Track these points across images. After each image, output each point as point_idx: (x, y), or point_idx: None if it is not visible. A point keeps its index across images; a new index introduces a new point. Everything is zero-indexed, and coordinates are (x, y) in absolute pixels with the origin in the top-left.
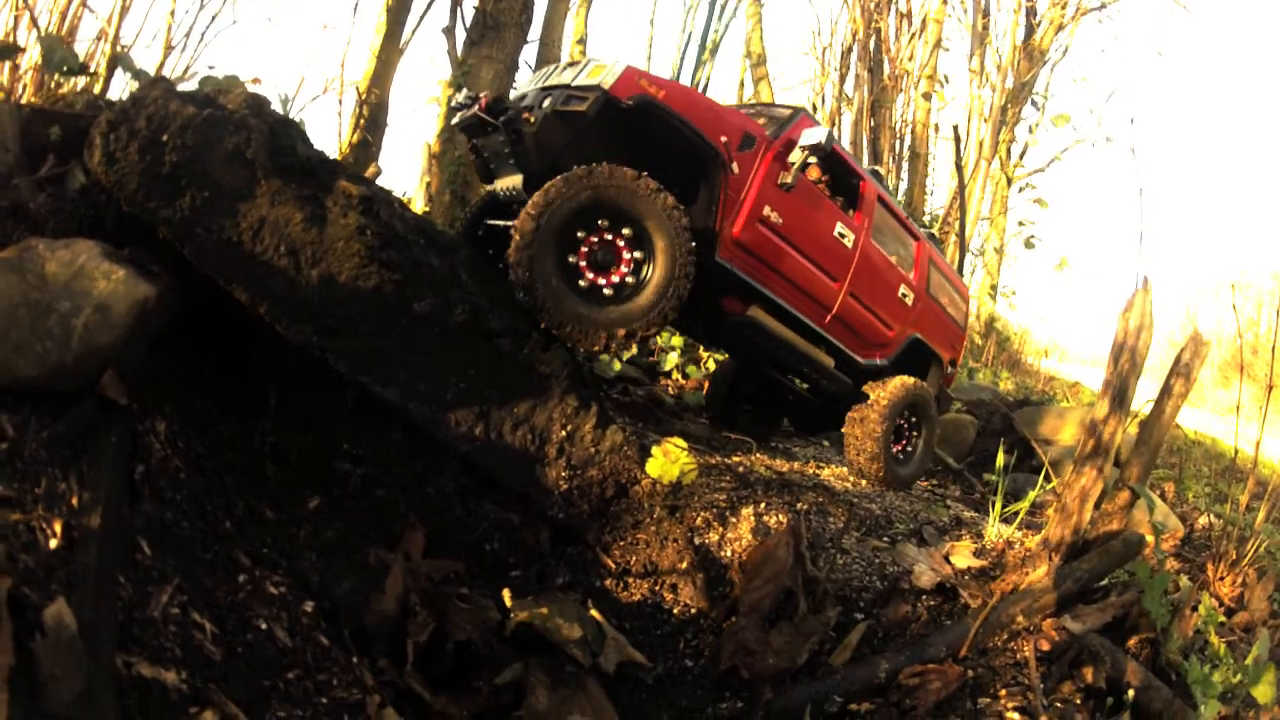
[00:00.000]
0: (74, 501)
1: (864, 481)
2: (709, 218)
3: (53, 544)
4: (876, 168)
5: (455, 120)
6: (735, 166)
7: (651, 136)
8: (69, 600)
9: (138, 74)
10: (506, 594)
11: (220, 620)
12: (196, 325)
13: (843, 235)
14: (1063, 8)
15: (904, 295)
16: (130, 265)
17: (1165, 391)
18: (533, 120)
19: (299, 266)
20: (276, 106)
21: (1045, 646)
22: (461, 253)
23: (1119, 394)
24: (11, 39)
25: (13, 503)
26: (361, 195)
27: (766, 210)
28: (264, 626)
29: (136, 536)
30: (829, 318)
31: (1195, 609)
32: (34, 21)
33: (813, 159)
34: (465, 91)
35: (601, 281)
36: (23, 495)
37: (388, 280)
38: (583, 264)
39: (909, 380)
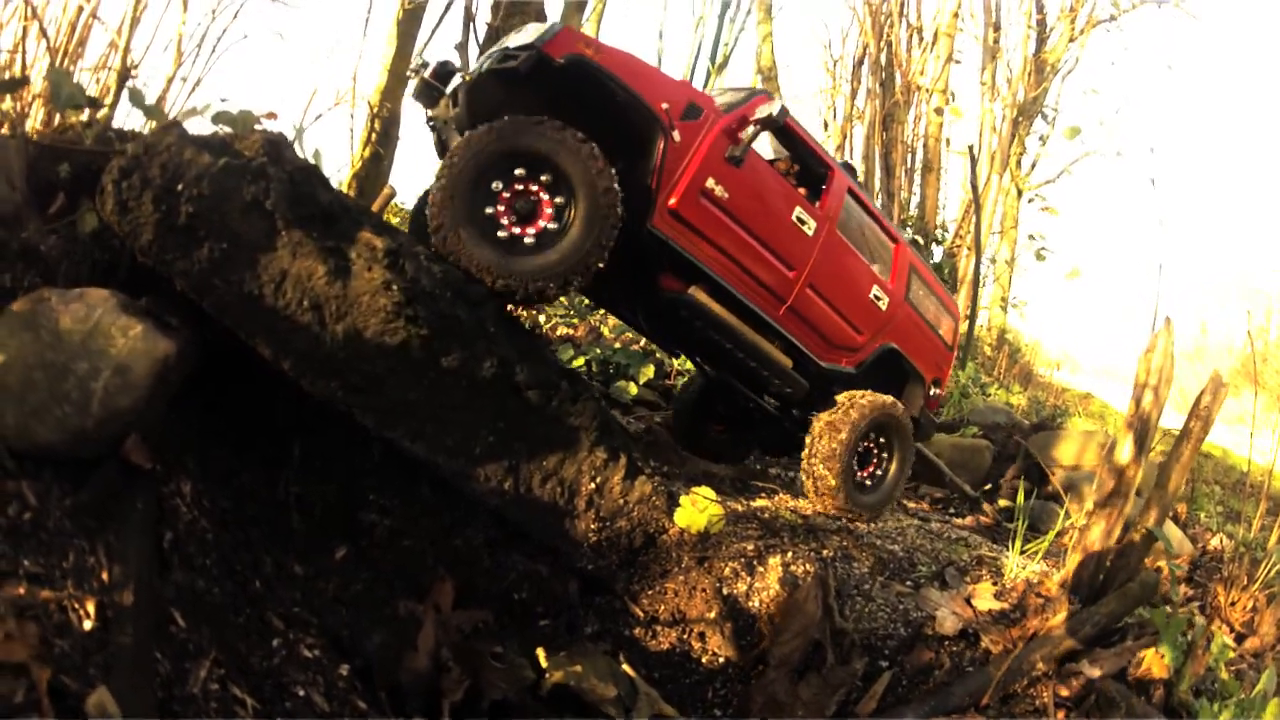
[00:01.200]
0: (104, 576)
1: (886, 521)
2: (645, 185)
3: (87, 625)
4: (850, 161)
5: (411, 92)
6: (677, 135)
7: (590, 99)
8: (108, 684)
9: (150, 110)
10: (541, 653)
11: (257, 689)
12: (215, 375)
13: (802, 221)
14: (1073, 21)
15: (877, 298)
16: (148, 319)
17: (1184, 435)
18: (468, 79)
19: (323, 321)
20: (288, 132)
21: (1064, 693)
22: (490, 305)
23: (1140, 435)
24: (20, 49)
25: (41, 579)
26: (386, 249)
27: (710, 183)
28: (301, 693)
29: (169, 608)
30: (783, 309)
31: (1208, 647)
32: (43, 32)
33: (766, 133)
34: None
35: (518, 231)
36: (51, 570)
37: (415, 335)
38: (501, 215)
39: (878, 396)
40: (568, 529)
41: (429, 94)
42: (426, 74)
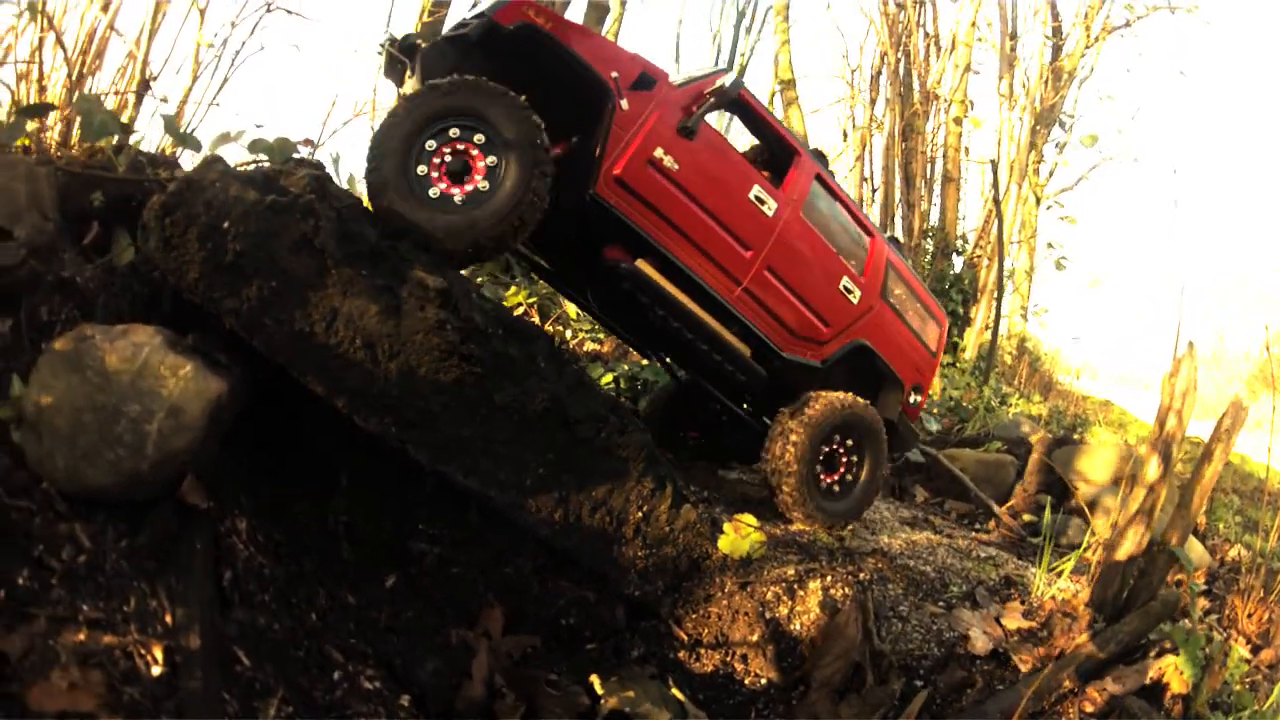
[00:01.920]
0: (168, 619)
1: (918, 541)
2: (591, 152)
3: (155, 671)
4: (820, 149)
5: (380, 70)
6: (625, 103)
7: (541, 67)
8: None
9: (185, 139)
10: (595, 679)
11: None
12: (261, 409)
13: (761, 201)
14: (1088, 28)
15: (847, 290)
16: (196, 357)
17: (1205, 457)
18: (423, 47)
19: (376, 359)
20: (324, 159)
21: (1089, 709)
22: (540, 342)
23: (1164, 456)
24: (37, 60)
25: (103, 624)
26: (439, 288)
27: (659, 152)
28: None
29: (233, 646)
30: (738, 290)
31: (1225, 662)
32: (60, 42)
33: (722, 107)
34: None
35: (454, 191)
36: (111, 615)
37: (468, 373)
38: (433, 174)
39: (843, 395)
40: (616, 556)
41: (396, 70)
42: (391, 48)
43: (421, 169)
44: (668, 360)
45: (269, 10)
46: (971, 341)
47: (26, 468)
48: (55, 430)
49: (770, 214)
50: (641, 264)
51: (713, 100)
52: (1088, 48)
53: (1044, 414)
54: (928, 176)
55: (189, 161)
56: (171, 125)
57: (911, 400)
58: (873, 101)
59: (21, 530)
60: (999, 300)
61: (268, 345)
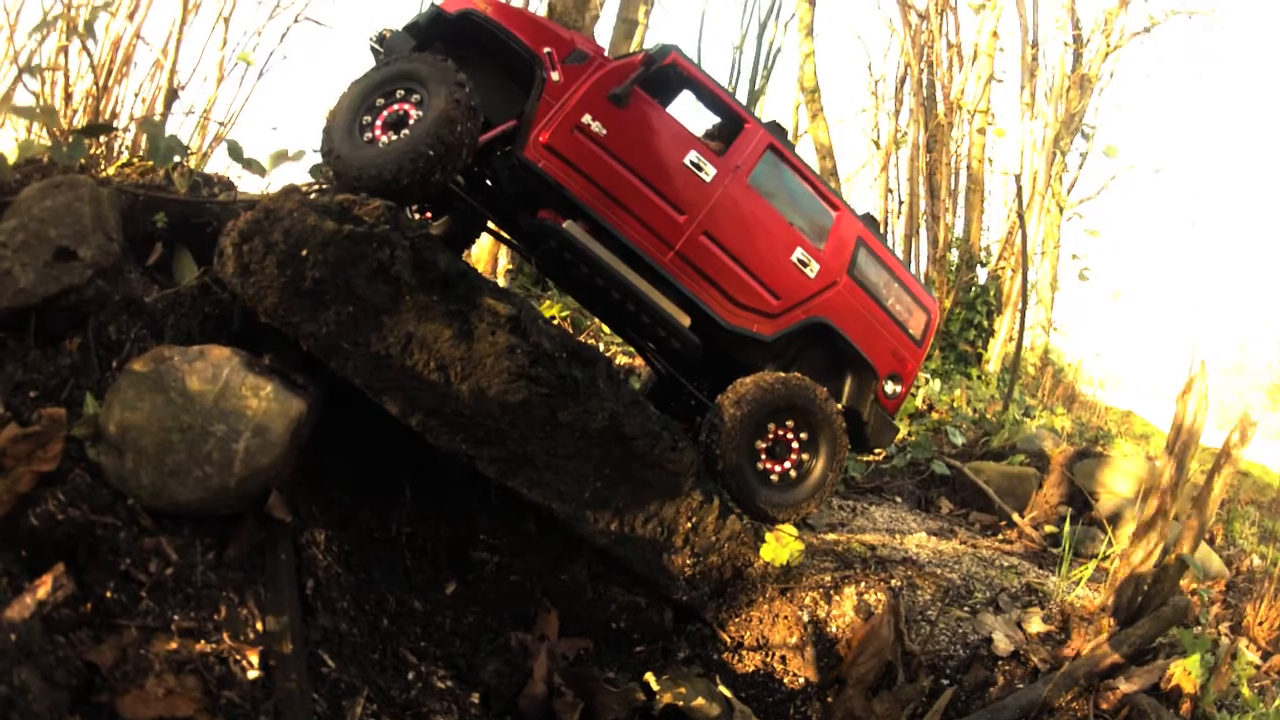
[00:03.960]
0: (259, 626)
1: (944, 550)
2: (525, 120)
3: (251, 675)
4: (779, 122)
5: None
6: (556, 75)
7: (484, 47)
8: None
9: (249, 163)
10: (650, 677)
11: None
12: (334, 425)
13: (698, 167)
14: (1108, 36)
15: (802, 262)
16: (275, 377)
17: (1215, 470)
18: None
19: (449, 381)
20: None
21: (1103, 706)
22: (600, 364)
23: (1177, 470)
24: (64, 67)
25: (195, 633)
26: (509, 314)
27: (587, 119)
28: None
29: (318, 650)
30: (670, 254)
31: (1232, 664)
32: (85, 49)
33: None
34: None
35: (384, 136)
36: (203, 624)
37: (535, 393)
38: (376, 124)
39: (779, 374)
40: (665, 564)
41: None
42: (374, 42)
43: (367, 119)
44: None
45: (296, 21)
46: (996, 353)
47: (107, 484)
48: (141, 449)
49: (708, 179)
50: (570, 225)
51: (643, 69)
52: (1108, 54)
53: (1067, 427)
54: (952, 188)
55: (242, 180)
56: (236, 150)
57: (888, 390)
58: (896, 112)
59: (107, 545)
60: (1023, 312)
61: (344, 367)
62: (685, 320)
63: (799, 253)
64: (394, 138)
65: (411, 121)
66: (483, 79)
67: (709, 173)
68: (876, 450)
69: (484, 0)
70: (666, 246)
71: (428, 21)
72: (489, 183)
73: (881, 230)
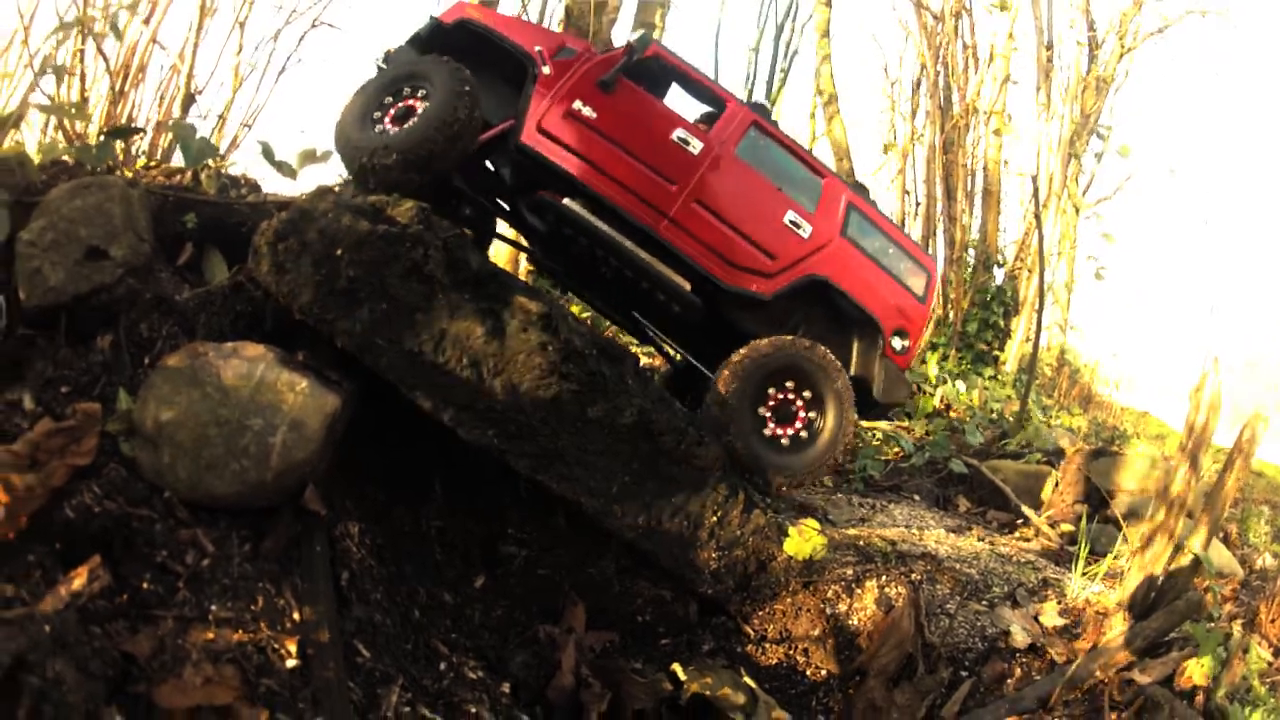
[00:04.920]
0: (296, 616)
1: (963, 547)
2: (520, 111)
3: (289, 664)
4: (763, 103)
5: None
6: (547, 69)
7: (480, 53)
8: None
9: (280, 165)
10: (677, 667)
11: (433, 709)
12: (368, 421)
13: (685, 141)
14: (1122, 37)
15: (794, 224)
16: (310, 373)
17: (1228, 466)
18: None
19: (481, 377)
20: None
21: (1117, 696)
22: (629, 361)
23: (1191, 466)
24: (79, 69)
25: (232, 623)
26: (540, 312)
27: (578, 105)
28: (473, 710)
29: (353, 640)
30: (664, 222)
31: (1244, 655)
32: (100, 52)
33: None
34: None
35: (391, 128)
36: (240, 614)
37: (566, 390)
38: (385, 117)
39: (782, 338)
40: (691, 557)
41: None
42: (381, 63)
43: (377, 114)
44: (655, 335)
45: (314, 26)
46: (1012, 354)
47: (143, 478)
48: (178, 443)
49: (695, 152)
50: (568, 201)
51: (626, 56)
52: (1123, 55)
53: (1084, 427)
54: (969, 189)
55: (268, 181)
56: (269, 152)
57: (895, 345)
58: (913, 114)
59: (143, 537)
60: (1040, 312)
61: (379, 364)
62: (685, 285)
63: (790, 215)
64: (400, 128)
65: (419, 112)
66: (480, 84)
67: (696, 146)
68: (894, 408)
69: (477, 9)
70: (660, 215)
71: (428, 32)
72: (491, 183)
73: (872, 197)
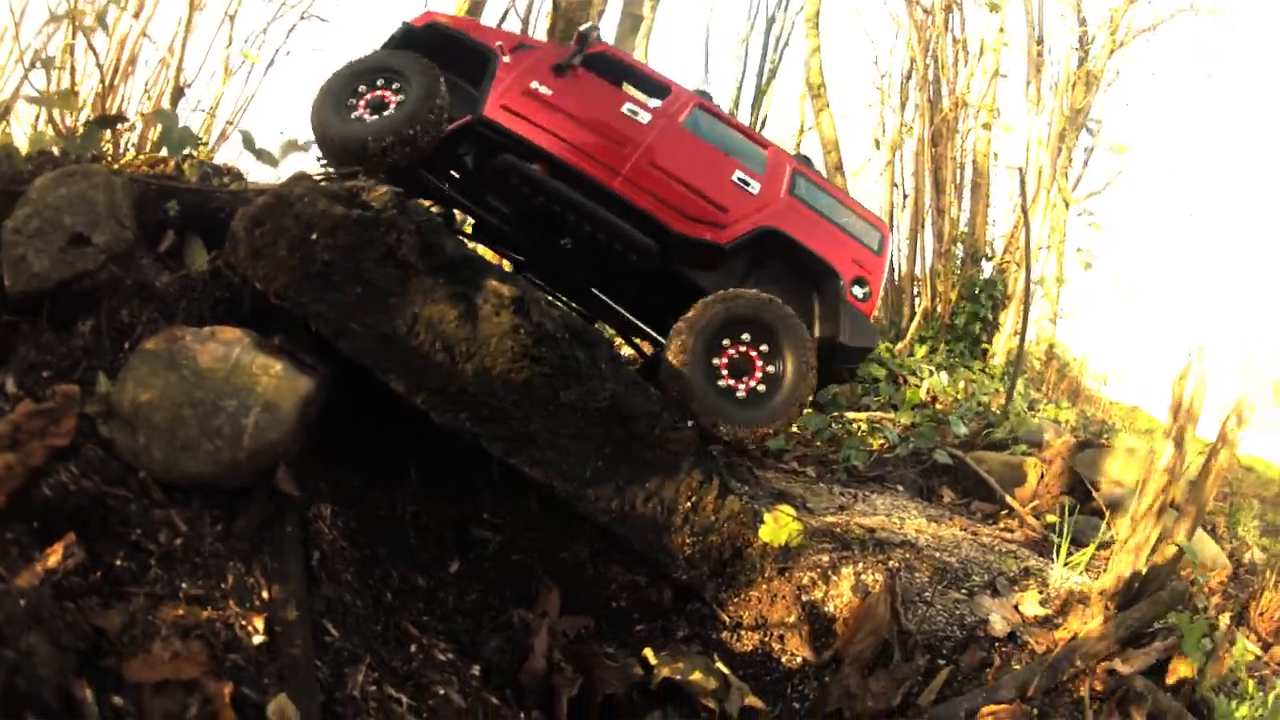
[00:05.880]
0: (264, 594)
1: (943, 535)
2: (482, 95)
3: (256, 640)
4: (705, 88)
5: None
6: (507, 58)
7: (450, 53)
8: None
9: (261, 154)
10: (649, 652)
11: (401, 690)
12: (345, 407)
13: (634, 113)
14: (1113, 32)
15: (743, 182)
16: (284, 356)
17: (1212, 454)
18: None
19: (454, 360)
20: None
21: (1099, 687)
22: (602, 346)
23: (1174, 455)
24: (70, 64)
25: (202, 600)
26: (513, 296)
27: (534, 84)
28: (441, 691)
29: (322, 619)
30: (618, 179)
31: (1231, 647)
32: (91, 48)
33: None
34: None
35: (367, 115)
36: (210, 592)
37: (538, 374)
38: (360, 104)
39: (741, 290)
40: (666, 543)
41: None
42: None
43: (351, 101)
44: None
45: (303, 18)
46: (1000, 347)
47: (119, 458)
48: (153, 424)
49: (644, 122)
50: (528, 165)
51: (577, 45)
52: (1114, 51)
53: (1071, 420)
54: (957, 183)
55: (249, 171)
56: (249, 141)
57: (856, 293)
58: (902, 107)
59: (118, 516)
60: (1027, 306)
61: (353, 347)
62: (638, 234)
63: (738, 174)
64: (378, 116)
65: (392, 105)
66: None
67: (644, 116)
68: (864, 354)
69: (446, 16)
70: (614, 172)
71: (401, 35)
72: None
73: (816, 167)
